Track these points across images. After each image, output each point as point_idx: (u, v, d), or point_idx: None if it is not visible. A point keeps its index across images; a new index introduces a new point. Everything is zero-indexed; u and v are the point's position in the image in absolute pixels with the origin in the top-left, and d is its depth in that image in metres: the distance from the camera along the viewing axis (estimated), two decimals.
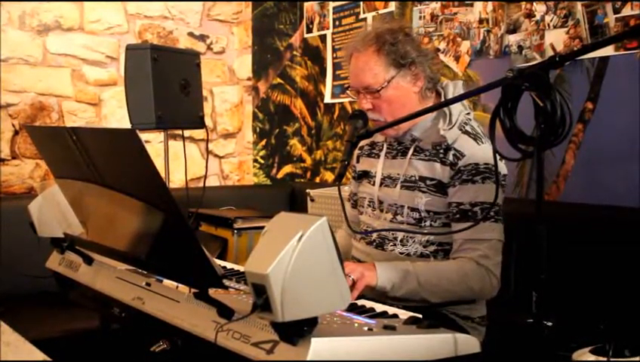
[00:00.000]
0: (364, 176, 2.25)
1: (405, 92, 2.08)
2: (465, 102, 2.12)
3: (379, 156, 2.21)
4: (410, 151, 2.09)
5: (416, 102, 2.09)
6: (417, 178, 2.05)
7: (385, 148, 2.20)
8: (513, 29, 2.96)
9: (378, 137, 2.24)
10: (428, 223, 2.03)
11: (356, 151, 2.34)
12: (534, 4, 2.87)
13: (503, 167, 2.04)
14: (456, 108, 2.06)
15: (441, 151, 2.02)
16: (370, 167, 2.24)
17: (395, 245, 2.06)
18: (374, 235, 2.12)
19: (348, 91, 2.19)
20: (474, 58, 3.17)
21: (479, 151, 1.99)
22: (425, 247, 2.04)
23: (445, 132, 2.02)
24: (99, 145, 1.53)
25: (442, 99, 2.12)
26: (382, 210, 2.13)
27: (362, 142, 2.31)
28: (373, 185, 2.18)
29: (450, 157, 2.00)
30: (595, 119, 2.66)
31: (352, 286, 1.79)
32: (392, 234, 2.07)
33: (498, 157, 1.96)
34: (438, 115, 2.08)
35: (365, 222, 2.21)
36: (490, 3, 3.07)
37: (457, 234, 1.98)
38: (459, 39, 3.23)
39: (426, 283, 1.90)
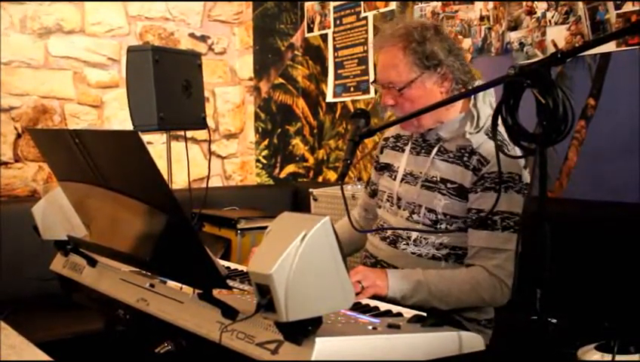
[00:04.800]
0: (386, 168, 2.23)
1: (429, 92, 2.03)
2: (494, 105, 2.08)
3: (403, 150, 2.19)
4: (434, 151, 2.07)
5: None
6: (439, 179, 2.03)
7: (410, 144, 2.18)
8: (514, 26, 2.96)
9: (404, 131, 2.23)
10: (444, 226, 2.01)
11: (380, 142, 2.33)
12: (535, 1, 2.87)
13: (527, 176, 2.01)
14: (484, 111, 2.02)
15: (466, 154, 2.00)
16: (394, 160, 2.22)
17: (407, 244, 2.05)
18: (389, 231, 2.12)
19: (373, 84, 2.17)
20: (475, 56, 3.16)
21: (504, 160, 1.93)
22: (437, 250, 2.02)
23: (471, 135, 1.99)
24: (101, 148, 1.53)
25: (472, 102, 2.07)
26: (399, 207, 2.12)
27: (387, 134, 2.30)
28: (394, 179, 2.16)
29: (474, 162, 1.97)
30: (597, 115, 2.66)
31: (359, 293, 1.79)
32: (407, 233, 2.06)
33: (522, 164, 1.96)
34: (466, 116, 2.04)
35: (382, 217, 2.20)
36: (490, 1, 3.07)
37: (474, 241, 1.97)
38: (460, 37, 3.23)
39: (437, 293, 1.89)
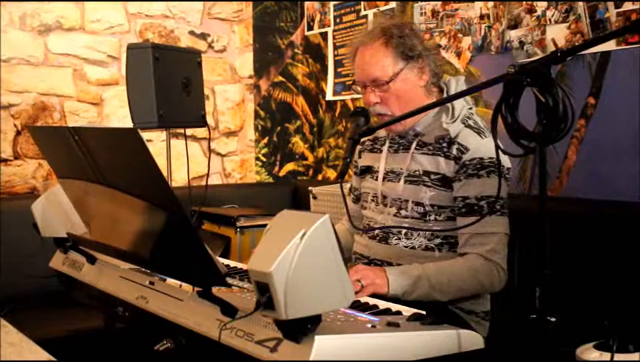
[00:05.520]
0: (367, 171, 2.25)
1: (412, 85, 2.08)
2: (467, 97, 2.12)
3: (381, 151, 2.21)
4: (413, 146, 2.09)
5: (422, 97, 2.09)
6: (421, 172, 2.05)
7: (387, 143, 2.20)
8: (514, 24, 2.96)
9: (380, 132, 2.24)
10: (432, 217, 2.03)
11: (358, 147, 2.35)
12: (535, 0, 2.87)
13: (506, 161, 2.04)
14: (458, 102, 2.06)
15: (445, 145, 2.03)
16: (373, 162, 2.24)
17: (399, 239, 2.06)
18: (377, 229, 2.12)
19: (353, 87, 2.18)
20: (475, 54, 3.16)
21: (483, 146, 1.99)
22: (429, 240, 2.04)
23: (448, 125, 2.02)
24: (101, 145, 1.53)
25: (445, 95, 2.12)
26: (385, 205, 2.13)
27: (364, 138, 2.32)
28: (377, 180, 2.18)
29: (454, 152, 2.00)
30: (597, 114, 2.65)
31: (359, 292, 1.79)
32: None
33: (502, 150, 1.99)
34: (441, 109, 2.08)
35: (368, 217, 2.21)
36: None
37: (464, 228, 1.98)
38: (460, 35, 3.23)
39: (437, 285, 1.90)
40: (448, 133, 2.02)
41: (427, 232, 2.03)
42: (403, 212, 2.07)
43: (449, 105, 2.05)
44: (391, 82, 2.05)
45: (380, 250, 2.10)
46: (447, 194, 2.02)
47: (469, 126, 2.03)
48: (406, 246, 2.05)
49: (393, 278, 1.86)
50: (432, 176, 2.03)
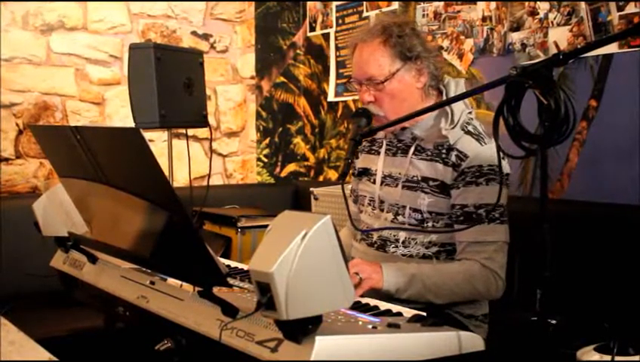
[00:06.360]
0: (364, 173, 2.23)
1: (408, 87, 2.05)
2: (467, 100, 2.10)
3: (378, 153, 2.19)
4: (411, 150, 2.07)
5: (418, 99, 2.07)
6: (420, 178, 2.03)
7: (384, 145, 2.18)
8: (517, 26, 2.96)
9: (378, 133, 2.22)
10: (430, 224, 2.01)
11: None
12: (537, 2, 2.87)
13: (506, 167, 2.02)
14: (457, 107, 2.03)
15: (444, 151, 2.00)
16: (370, 164, 2.22)
17: (397, 247, 2.05)
18: (375, 236, 2.11)
19: (349, 83, 2.16)
20: (477, 56, 3.16)
21: (483, 153, 1.96)
22: (427, 248, 2.02)
23: (447, 132, 1.99)
24: (103, 144, 1.53)
25: (444, 98, 2.10)
26: (382, 210, 2.11)
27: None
28: (374, 183, 2.16)
29: (453, 158, 1.97)
30: (598, 117, 2.65)
31: (358, 285, 1.79)
32: (394, 235, 2.06)
33: (501, 155, 1.97)
34: (440, 114, 2.05)
35: (365, 222, 2.19)
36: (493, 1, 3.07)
37: (461, 236, 1.97)
38: (462, 37, 3.23)
39: (431, 286, 1.90)
40: (447, 140, 1.99)
41: (425, 240, 2.02)
42: (400, 218, 2.05)
43: (448, 109, 2.02)
44: (386, 82, 2.02)
45: (377, 257, 2.08)
46: (445, 201, 1.99)
47: (468, 132, 2.00)
48: (404, 255, 2.03)
49: (388, 275, 1.86)
50: (431, 183, 2.01)
